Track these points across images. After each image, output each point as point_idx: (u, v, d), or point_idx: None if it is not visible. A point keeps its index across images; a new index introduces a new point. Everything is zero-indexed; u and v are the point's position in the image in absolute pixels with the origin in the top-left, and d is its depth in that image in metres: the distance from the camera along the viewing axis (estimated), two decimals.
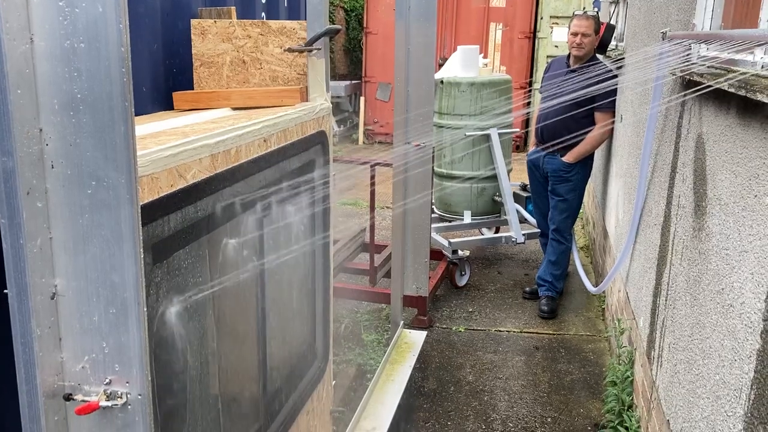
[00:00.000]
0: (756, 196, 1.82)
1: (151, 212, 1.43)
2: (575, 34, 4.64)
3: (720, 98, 2.20)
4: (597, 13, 4.92)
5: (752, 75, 1.86)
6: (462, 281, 5.39)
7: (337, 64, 14.13)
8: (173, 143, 1.51)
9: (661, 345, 2.83)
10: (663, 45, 2.90)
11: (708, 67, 2.32)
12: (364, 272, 4.77)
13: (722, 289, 2.06)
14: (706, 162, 2.34)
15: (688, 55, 2.55)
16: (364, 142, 11.88)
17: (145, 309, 1.17)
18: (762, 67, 1.92)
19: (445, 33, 11.17)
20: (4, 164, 1.07)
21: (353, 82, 12.73)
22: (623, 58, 4.72)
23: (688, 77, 2.52)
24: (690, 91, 2.40)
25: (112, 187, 1.11)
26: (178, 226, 1.56)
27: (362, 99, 11.90)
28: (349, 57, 14.40)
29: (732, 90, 1.91)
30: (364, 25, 11.70)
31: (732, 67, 2.12)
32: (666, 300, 2.80)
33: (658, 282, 3.01)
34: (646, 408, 3.09)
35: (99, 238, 1.14)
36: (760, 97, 1.71)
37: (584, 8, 8.52)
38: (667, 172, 2.97)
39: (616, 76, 4.43)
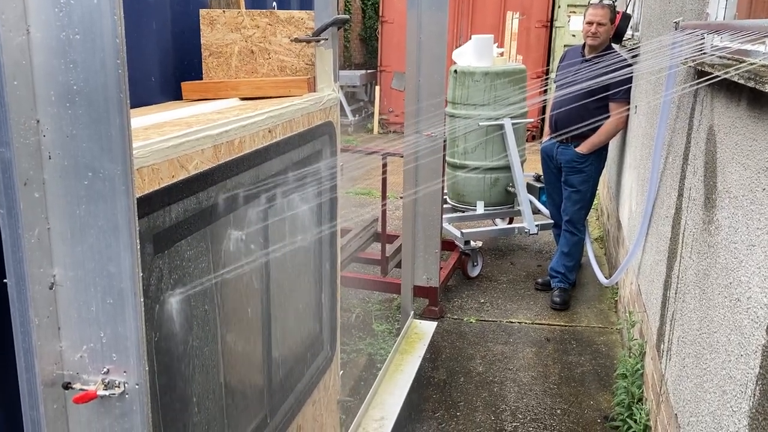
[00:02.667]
0: (765, 189, 1.80)
1: (152, 203, 1.44)
2: (590, 23, 4.60)
3: (731, 89, 2.17)
4: (614, 2, 4.86)
5: (761, 66, 1.83)
6: (474, 272, 5.38)
7: (353, 53, 14.11)
8: (175, 134, 1.51)
9: (671, 338, 2.81)
10: (676, 35, 2.86)
11: (719, 57, 2.28)
12: (376, 262, 4.77)
13: (730, 283, 2.03)
14: (717, 154, 2.30)
15: (701, 45, 2.51)
16: (379, 132, 11.86)
17: (142, 299, 1.18)
18: None
19: (461, 22, 11.11)
20: (2, 155, 1.08)
21: (369, 71, 12.70)
22: (638, 48, 4.66)
23: (699, 68, 2.49)
24: (697, 81, 2.37)
25: (108, 178, 1.12)
26: (180, 216, 1.57)
27: (378, 88, 11.87)
28: (365, 46, 14.36)
29: (741, 81, 1.88)
30: (380, 14, 11.65)
31: (743, 58, 2.08)
32: (676, 293, 2.78)
33: (668, 275, 2.98)
34: (655, 401, 3.07)
35: (95, 228, 1.15)
36: None
37: None
38: (679, 164, 2.94)
39: (630, 66, 4.38)
